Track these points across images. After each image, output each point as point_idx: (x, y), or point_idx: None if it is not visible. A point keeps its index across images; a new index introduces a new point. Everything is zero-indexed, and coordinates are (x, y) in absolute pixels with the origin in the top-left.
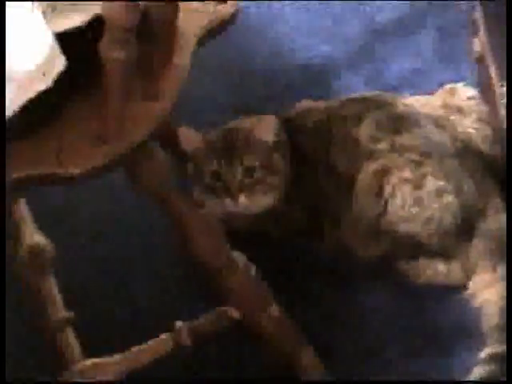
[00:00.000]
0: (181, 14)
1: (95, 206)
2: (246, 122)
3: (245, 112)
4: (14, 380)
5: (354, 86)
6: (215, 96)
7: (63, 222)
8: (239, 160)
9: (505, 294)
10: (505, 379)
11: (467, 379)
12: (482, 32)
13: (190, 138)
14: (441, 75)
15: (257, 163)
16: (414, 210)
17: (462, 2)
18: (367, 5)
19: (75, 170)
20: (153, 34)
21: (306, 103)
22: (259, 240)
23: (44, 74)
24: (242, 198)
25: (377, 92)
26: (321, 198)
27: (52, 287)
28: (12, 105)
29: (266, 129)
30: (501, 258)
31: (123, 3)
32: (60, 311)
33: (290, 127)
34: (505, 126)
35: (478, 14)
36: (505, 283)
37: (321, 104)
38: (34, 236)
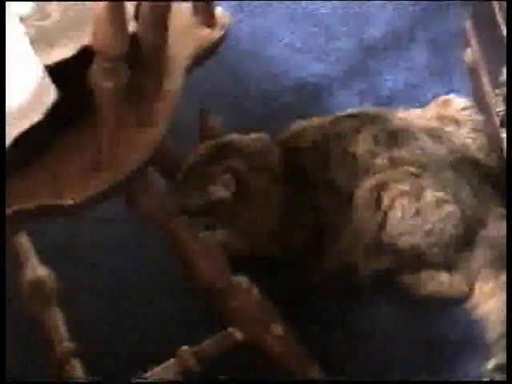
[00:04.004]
0: (170, 39)
1: (95, 235)
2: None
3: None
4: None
5: (349, 103)
6: None
7: (64, 251)
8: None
9: (507, 301)
10: None
11: None
12: (473, 42)
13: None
14: (434, 87)
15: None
16: (414, 222)
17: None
18: (358, 21)
19: (71, 201)
20: (142, 59)
21: (301, 123)
22: (261, 261)
23: (36, 107)
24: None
25: (371, 107)
26: (321, 215)
27: (56, 319)
28: (5, 139)
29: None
30: (503, 267)
31: (111, 32)
32: (65, 342)
33: (287, 147)
34: (502, 134)
35: (469, 25)
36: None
37: (316, 122)
38: (36, 269)
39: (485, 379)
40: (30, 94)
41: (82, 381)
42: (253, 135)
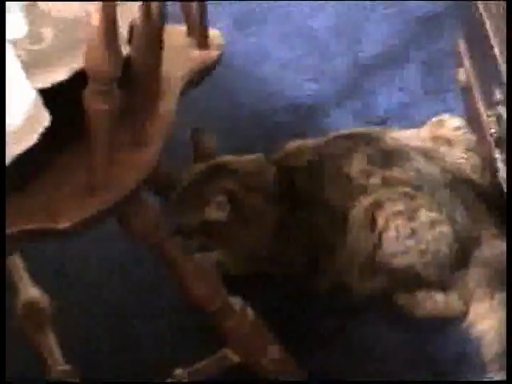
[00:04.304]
0: (164, 61)
1: (90, 255)
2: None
3: (234, 153)
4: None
5: (343, 122)
6: None
7: (58, 272)
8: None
9: (503, 320)
10: None
11: None
12: (466, 62)
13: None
14: (428, 107)
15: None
16: (409, 242)
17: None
18: (353, 39)
19: (66, 224)
20: (136, 81)
21: (295, 143)
22: (256, 280)
23: (29, 132)
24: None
25: (365, 127)
26: (316, 234)
27: (50, 340)
28: (4, 157)
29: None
30: (498, 285)
31: (104, 55)
32: (60, 364)
33: (281, 167)
34: (496, 155)
35: (462, 45)
36: (504, 309)
37: (310, 142)
38: (29, 290)
39: (485, 379)
40: (23, 118)
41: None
42: (247, 156)
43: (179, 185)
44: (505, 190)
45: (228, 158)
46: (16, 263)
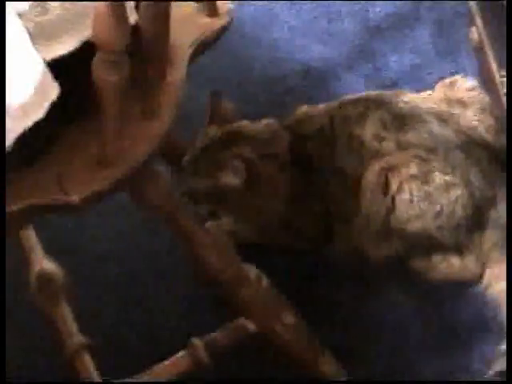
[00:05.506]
0: (172, 29)
1: (103, 227)
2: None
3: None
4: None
5: (354, 86)
6: None
7: (72, 244)
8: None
9: None
10: None
11: (488, 373)
12: (478, 21)
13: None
14: (440, 68)
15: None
16: (423, 205)
17: None
18: (361, 1)
19: (77, 197)
20: (145, 51)
21: (306, 107)
22: (269, 249)
23: (38, 104)
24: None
25: (377, 91)
26: (329, 201)
27: (65, 313)
28: (8, 137)
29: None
30: None
31: (112, 24)
32: (75, 337)
33: (293, 133)
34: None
35: (473, 3)
36: None
37: (321, 107)
38: (43, 263)
39: (484, 379)
40: (32, 90)
41: (88, 380)
42: (263, 121)
43: (193, 148)
44: None
45: (243, 124)
46: (29, 236)
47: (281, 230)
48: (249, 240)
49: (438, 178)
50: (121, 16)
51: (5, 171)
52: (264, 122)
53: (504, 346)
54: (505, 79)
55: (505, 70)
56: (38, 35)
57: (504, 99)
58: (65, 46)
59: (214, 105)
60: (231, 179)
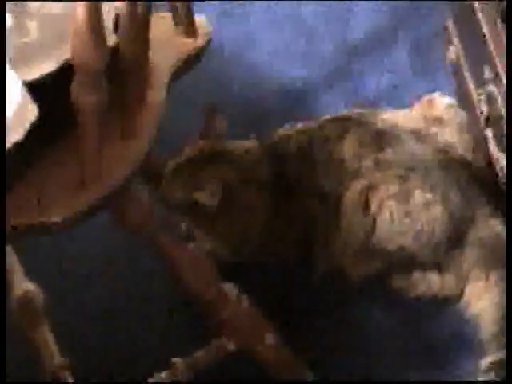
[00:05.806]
0: (151, 50)
1: (83, 247)
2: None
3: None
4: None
5: (333, 106)
6: (194, 127)
7: (52, 264)
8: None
9: (499, 300)
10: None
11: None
12: (455, 41)
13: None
14: (418, 87)
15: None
16: (403, 224)
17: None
18: (340, 22)
19: (57, 218)
20: (124, 72)
21: (285, 128)
22: (248, 268)
23: (17, 126)
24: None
25: (355, 110)
26: (310, 221)
27: (46, 334)
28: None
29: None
30: (493, 265)
31: (90, 46)
32: (55, 358)
33: (272, 154)
34: (487, 133)
35: (451, 23)
36: (499, 289)
37: (300, 127)
38: (23, 284)
39: (483, 379)
40: (11, 113)
41: None
42: (246, 143)
43: (177, 159)
44: (498, 171)
45: (228, 143)
46: (8, 257)
47: (259, 250)
48: (225, 258)
49: (418, 196)
50: (98, 36)
51: (5, 175)
52: (247, 143)
53: (484, 363)
54: (482, 97)
55: (482, 89)
56: (17, 57)
57: (481, 117)
58: (44, 68)
59: (208, 119)
60: (207, 199)
